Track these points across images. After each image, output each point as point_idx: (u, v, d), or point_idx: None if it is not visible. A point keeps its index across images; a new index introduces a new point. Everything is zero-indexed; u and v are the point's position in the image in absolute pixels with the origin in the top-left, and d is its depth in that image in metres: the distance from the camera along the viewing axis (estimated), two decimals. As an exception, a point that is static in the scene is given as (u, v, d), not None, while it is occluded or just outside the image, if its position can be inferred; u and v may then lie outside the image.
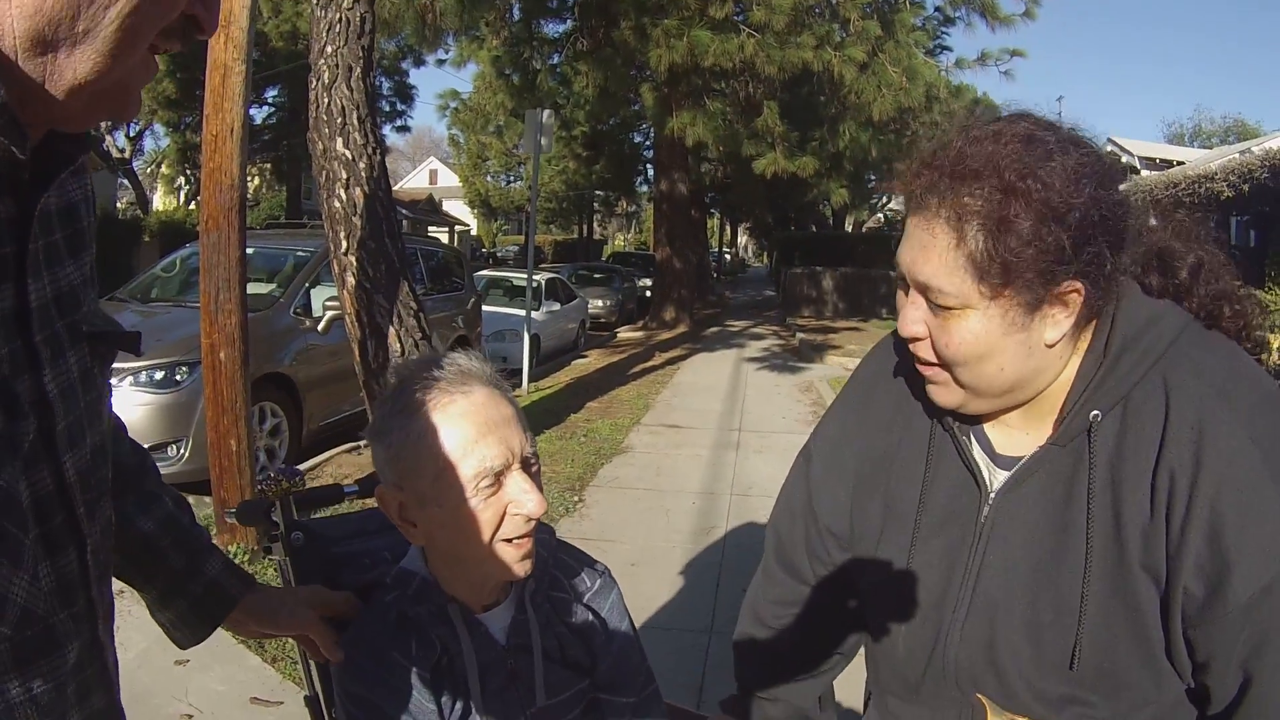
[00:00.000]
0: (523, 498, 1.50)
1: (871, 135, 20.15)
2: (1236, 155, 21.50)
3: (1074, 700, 1.37)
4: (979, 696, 1.48)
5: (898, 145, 22.99)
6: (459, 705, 1.59)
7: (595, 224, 69.22)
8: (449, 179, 70.41)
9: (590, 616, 1.78)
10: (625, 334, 23.68)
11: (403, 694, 1.54)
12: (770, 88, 19.27)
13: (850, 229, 49.35)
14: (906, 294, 1.39)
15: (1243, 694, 1.28)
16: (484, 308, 14.72)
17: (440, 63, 23.53)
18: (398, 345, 7.01)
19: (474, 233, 61.44)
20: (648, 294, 28.25)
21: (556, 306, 19.60)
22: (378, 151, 7.14)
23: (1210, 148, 40.53)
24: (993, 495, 1.44)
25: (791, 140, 19.68)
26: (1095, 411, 1.34)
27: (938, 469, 1.52)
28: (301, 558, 1.80)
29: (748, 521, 7.11)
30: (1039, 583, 1.38)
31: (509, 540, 1.52)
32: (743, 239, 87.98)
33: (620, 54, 18.89)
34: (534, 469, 1.56)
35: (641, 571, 6.05)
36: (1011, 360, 1.34)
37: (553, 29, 22.69)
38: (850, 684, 1.92)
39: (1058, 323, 1.32)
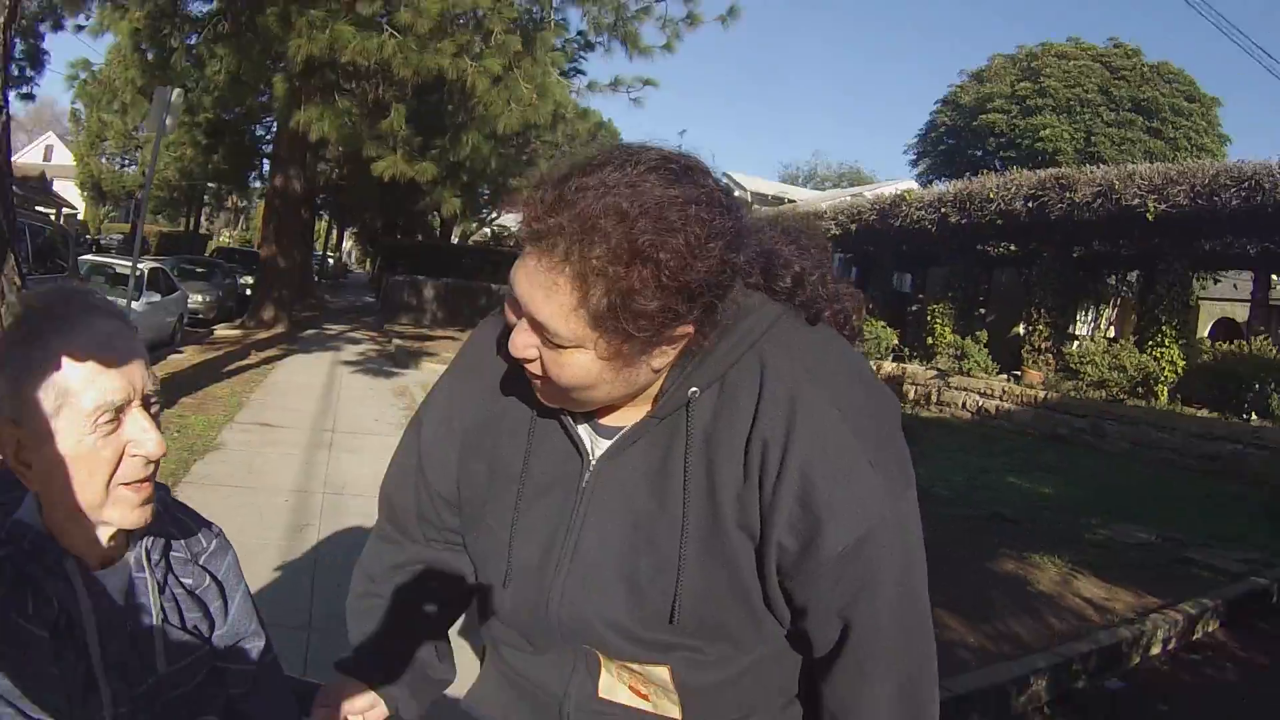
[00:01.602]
0: (142, 436, 1.45)
1: (493, 148, 20.38)
2: (848, 198, 23.33)
3: (680, 647, 1.47)
4: (588, 647, 1.55)
5: (517, 160, 23.15)
6: (80, 669, 1.47)
7: (204, 218, 66.22)
8: (64, 157, 65.64)
9: (207, 579, 1.73)
10: (223, 331, 22.65)
11: (21, 660, 1.41)
12: (401, 91, 19.07)
13: (457, 241, 49.56)
14: (517, 315, 1.40)
15: (844, 638, 1.42)
16: (85, 294, 13.74)
17: (79, 29, 21.74)
18: (-3, 323, 6.33)
19: (80, 217, 57.09)
20: (249, 293, 27.22)
21: (157, 298, 18.43)
22: (2, 112, 6.51)
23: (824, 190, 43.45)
24: (594, 462, 1.51)
25: (414, 145, 19.57)
26: (694, 389, 1.42)
27: (541, 436, 1.57)
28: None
29: (342, 520, 7.09)
30: (638, 543, 1.46)
31: (127, 484, 1.46)
32: (348, 244, 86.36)
33: (260, 40, 18.15)
34: (155, 409, 1.50)
35: (235, 569, 5.80)
36: (619, 386, 1.40)
37: (198, 7, 21.44)
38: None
39: (665, 354, 1.39)
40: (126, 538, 1.58)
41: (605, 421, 1.53)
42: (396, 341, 21.83)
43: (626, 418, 1.50)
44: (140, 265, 16.58)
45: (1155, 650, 5.99)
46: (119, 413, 1.42)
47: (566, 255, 1.27)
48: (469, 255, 37.00)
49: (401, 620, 1.80)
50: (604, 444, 1.51)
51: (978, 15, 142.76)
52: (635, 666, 1.53)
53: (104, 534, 1.52)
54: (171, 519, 1.70)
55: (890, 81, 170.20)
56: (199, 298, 23.77)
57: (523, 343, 1.38)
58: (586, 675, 1.58)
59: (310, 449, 9.78)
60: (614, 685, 1.57)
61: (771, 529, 1.37)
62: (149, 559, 1.60)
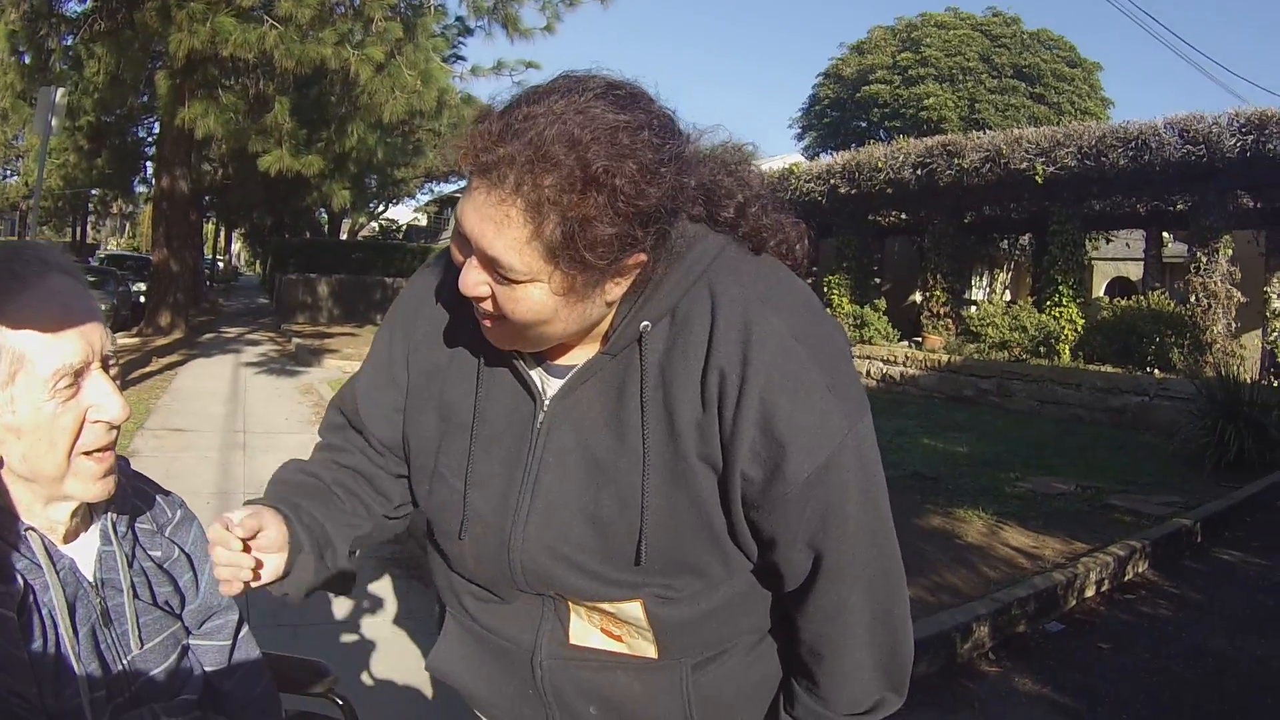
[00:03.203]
0: (104, 400, 1.37)
1: (379, 137, 20.08)
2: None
3: (649, 584, 1.44)
4: (554, 593, 1.51)
5: (403, 150, 22.73)
6: (51, 651, 1.37)
7: (90, 226, 64.45)
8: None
9: (176, 551, 1.66)
10: (121, 340, 22.06)
11: None
12: (284, 83, 18.71)
13: (345, 236, 48.96)
14: (463, 252, 1.35)
15: (815, 569, 1.41)
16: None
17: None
18: None
19: (-42, 232, 54.97)
20: (142, 300, 26.45)
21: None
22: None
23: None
24: (547, 402, 1.48)
25: (299, 138, 19.17)
26: (646, 322, 1.40)
27: (491, 381, 1.53)
28: None
29: (265, 520, 6.91)
30: (599, 481, 1.43)
31: (89, 453, 1.37)
32: (237, 246, 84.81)
33: (139, 37, 17.60)
34: (113, 371, 1.42)
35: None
36: (574, 320, 1.36)
37: (73, 7, 20.70)
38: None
39: (619, 286, 1.35)
40: (89, 511, 1.50)
41: (557, 362, 1.50)
42: (296, 340, 21.51)
43: (578, 357, 1.48)
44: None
45: (1090, 592, 6.09)
46: (78, 376, 1.34)
47: (518, 186, 1.23)
48: (360, 250, 36.44)
49: (322, 493, 1.65)
50: (556, 384, 1.48)
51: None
52: (607, 607, 1.50)
53: (66, 509, 1.44)
54: (133, 489, 1.63)
55: (769, 56, 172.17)
56: (94, 307, 23.15)
57: (473, 280, 1.33)
58: (556, 622, 1.55)
59: (225, 450, 9.61)
60: (586, 629, 1.54)
61: (734, 459, 1.35)
62: (115, 532, 1.52)
